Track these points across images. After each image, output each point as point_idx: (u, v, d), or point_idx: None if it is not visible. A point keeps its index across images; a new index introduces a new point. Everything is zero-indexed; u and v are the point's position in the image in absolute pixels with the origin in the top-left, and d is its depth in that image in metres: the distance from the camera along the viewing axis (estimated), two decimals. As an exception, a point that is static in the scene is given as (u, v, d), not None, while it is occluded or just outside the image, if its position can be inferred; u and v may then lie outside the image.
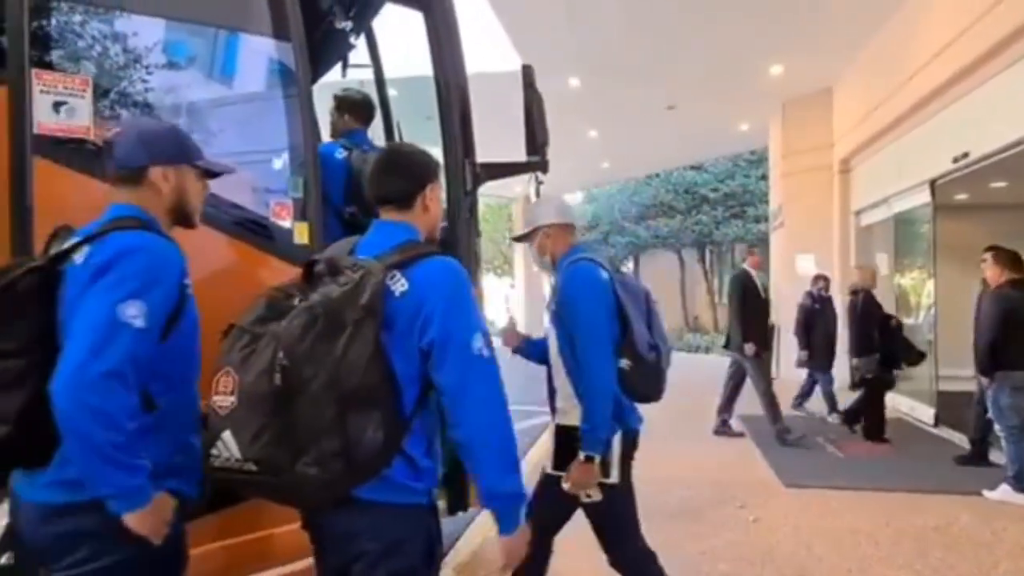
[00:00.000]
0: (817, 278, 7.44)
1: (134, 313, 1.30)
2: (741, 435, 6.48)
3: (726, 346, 6.66)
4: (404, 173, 1.55)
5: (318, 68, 4.11)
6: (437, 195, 1.59)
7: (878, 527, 3.98)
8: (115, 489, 1.30)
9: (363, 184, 2.05)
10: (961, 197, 7.88)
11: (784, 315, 10.44)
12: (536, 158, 2.86)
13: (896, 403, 7.56)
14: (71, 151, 1.77)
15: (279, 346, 1.28)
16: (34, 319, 1.34)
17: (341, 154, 2.75)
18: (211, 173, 1.61)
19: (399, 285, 1.38)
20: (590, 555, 2.35)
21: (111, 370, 1.26)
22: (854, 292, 6.51)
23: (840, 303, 7.64)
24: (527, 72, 2.83)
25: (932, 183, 6.83)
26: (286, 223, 2.16)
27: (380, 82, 3.88)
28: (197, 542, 1.70)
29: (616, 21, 7.63)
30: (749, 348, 6.14)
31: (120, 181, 1.49)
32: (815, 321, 7.17)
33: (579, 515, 2.25)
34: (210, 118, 2.26)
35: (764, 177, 16.00)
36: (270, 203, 2.16)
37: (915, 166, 7.27)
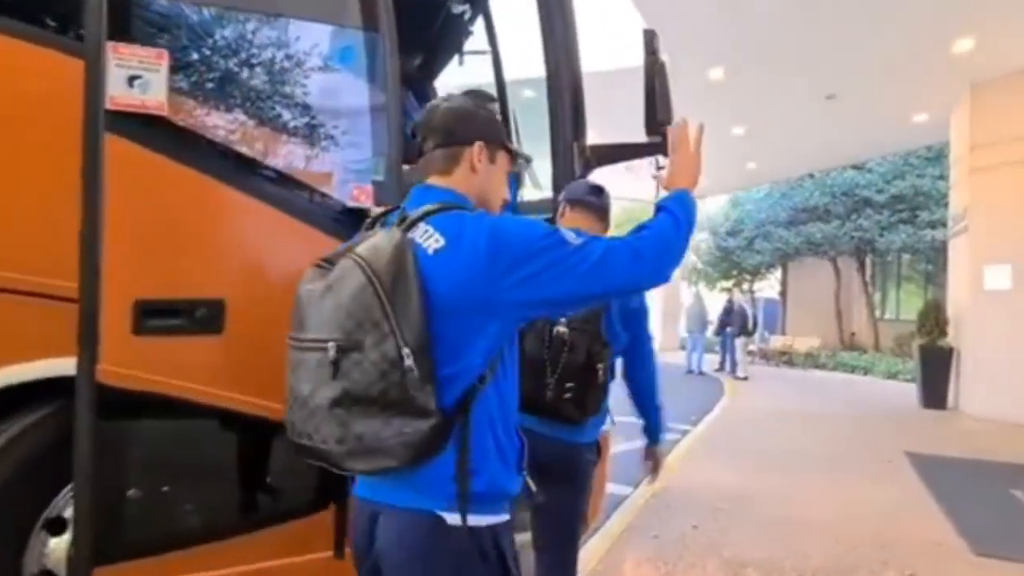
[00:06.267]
0: None
1: None
2: None
3: None
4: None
5: (439, 57, 4.03)
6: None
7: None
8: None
9: None
10: None
11: (968, 337, 8.84)
12: (657, 139, 2.45)
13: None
14: (143, 128, 1.70)
15: None
16: None
17: None
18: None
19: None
20: None
21: None
22: None
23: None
24: (648, 37, 2.42)
25: None
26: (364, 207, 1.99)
27: (498, 66, 3.67)
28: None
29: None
30: None
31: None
32: None
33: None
34: (299, 104, 2.15)
35: (943, 177, 13.91)
36: (351, 188, 2.00)
37: None
